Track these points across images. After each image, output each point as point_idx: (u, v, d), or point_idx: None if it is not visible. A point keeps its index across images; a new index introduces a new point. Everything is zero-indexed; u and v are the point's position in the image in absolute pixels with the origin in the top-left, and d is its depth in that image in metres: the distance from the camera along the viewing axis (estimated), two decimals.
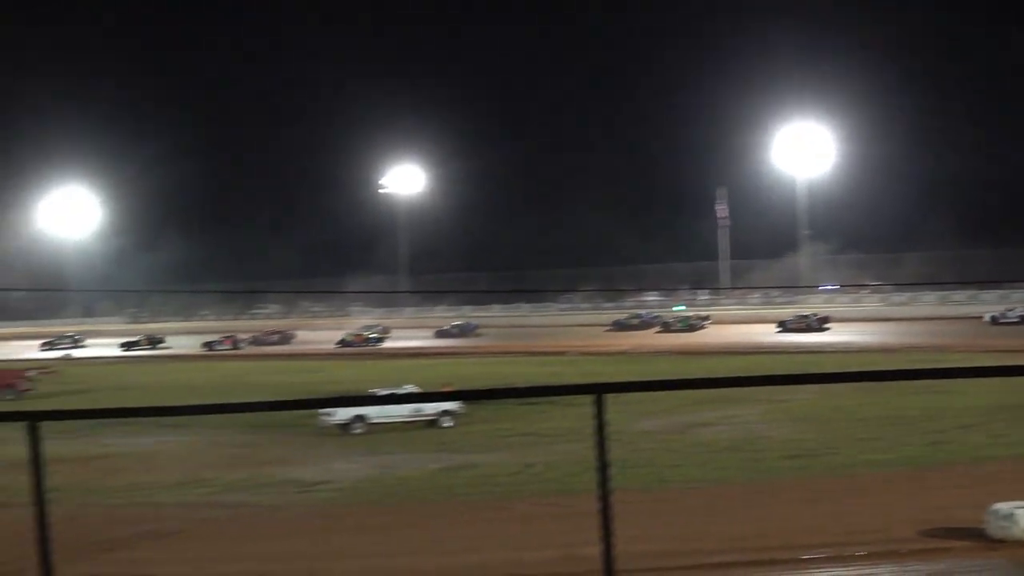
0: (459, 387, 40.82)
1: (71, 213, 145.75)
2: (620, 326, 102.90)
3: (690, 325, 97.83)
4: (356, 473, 30.17)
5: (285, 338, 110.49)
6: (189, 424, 35.94)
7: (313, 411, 37.60)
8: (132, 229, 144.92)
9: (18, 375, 60.50)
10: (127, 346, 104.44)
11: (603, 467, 5.26)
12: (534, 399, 41.45)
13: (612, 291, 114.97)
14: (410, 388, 40.43)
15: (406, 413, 38.52)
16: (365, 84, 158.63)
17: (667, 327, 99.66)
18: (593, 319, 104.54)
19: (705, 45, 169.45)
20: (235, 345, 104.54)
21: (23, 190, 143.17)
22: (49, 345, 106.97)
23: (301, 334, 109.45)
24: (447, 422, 39.24)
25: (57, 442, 7.42)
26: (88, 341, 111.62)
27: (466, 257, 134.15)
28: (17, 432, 6.44)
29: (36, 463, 6.44)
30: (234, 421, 35.79)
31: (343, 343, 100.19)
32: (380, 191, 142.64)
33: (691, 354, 70.39)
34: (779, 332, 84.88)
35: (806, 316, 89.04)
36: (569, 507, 19.36)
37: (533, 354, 76.14)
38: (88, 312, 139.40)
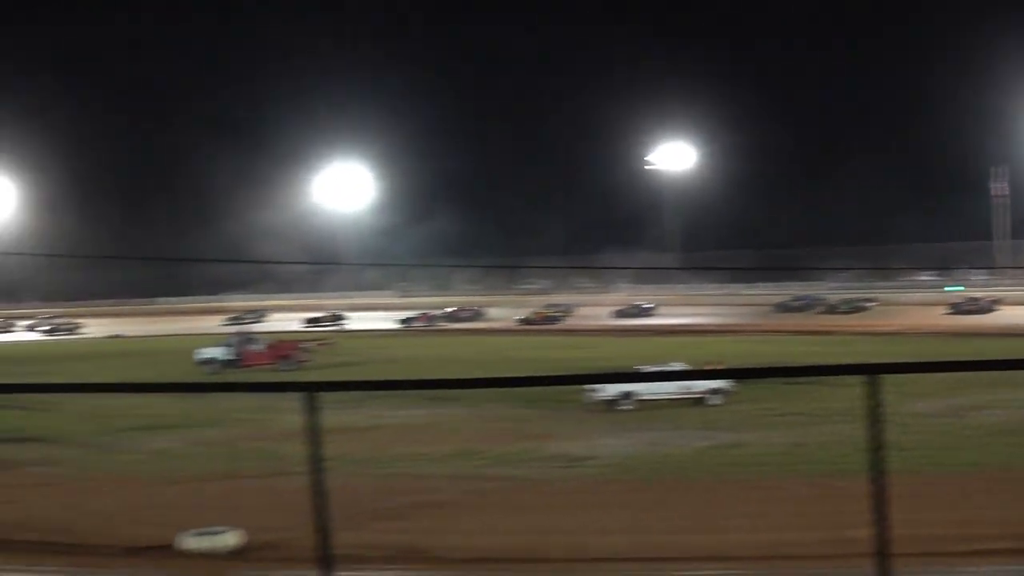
0: (726, 365, 40.50)
1: (346, 187, 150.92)
2: (784, 308, 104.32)
3: (855, 307, 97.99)
4: (622, 449, 30.24)
5: (476, 315, 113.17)
6: (459, 397, 36.62)
7: (581, 387, 37.82)
8: (403, 204, 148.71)
9: (295, 346, 62.73)
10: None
11: (877, 449, 5.14)
12: (803, 379, 40.75)
13: (882, 269, 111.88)
14: (678, 365, 40.26)
15: (674, 390, 38.35)
16: (635, 61, 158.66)
17: (832, 309, 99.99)
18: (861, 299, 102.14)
19: (987, 19, 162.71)
20: (430, 321, 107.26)
21: (302, 165, 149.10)
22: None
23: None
24: (715, 400, 38.97)
25: (332, 413, 7.69)
26: (360, 315, 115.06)
27: (734, 234, 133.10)
28: (296, 402, 6.70)
29: (313, 433, 6.69)
30: (503, 395, 36.30)
31: (526, 321, 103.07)
32: (647, 167, 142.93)
33: (967, 335, 68.08)
34: None
35: None
36: (839, 489, 18.99)
37: (799, 333, 74.98)
38: (359, 285, 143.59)
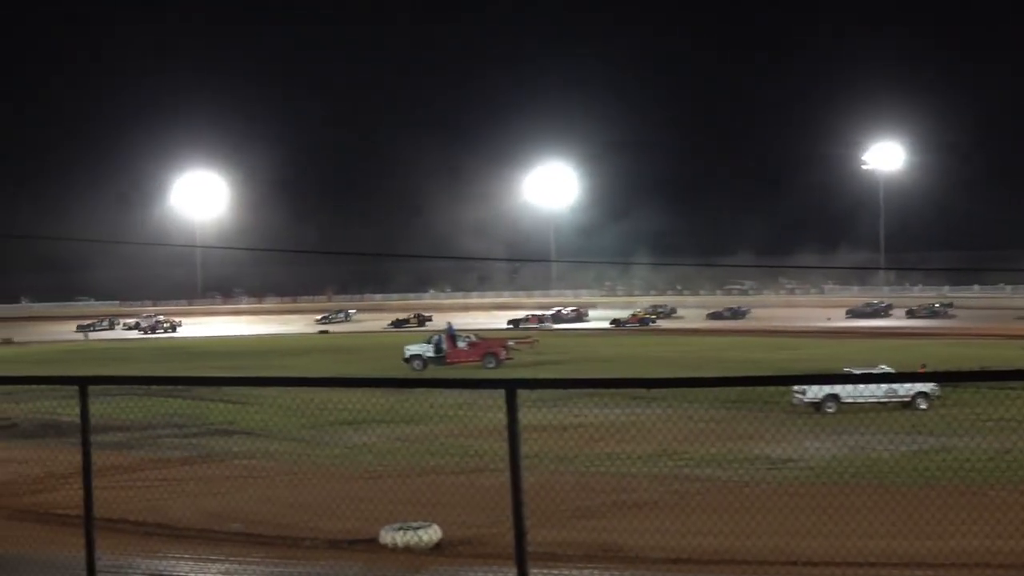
0: (934, 368, 39.48)
1: (554, 186, 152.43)
2: (855, 314, 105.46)
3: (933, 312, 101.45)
4: (827, 452, 29.72)
5: (579, 315, 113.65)
6: (662, 397, 36.47)
7: (785, 389, 37.38)
8: (608, 202, 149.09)
9: (501, 344, 63.30)
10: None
11: None
12: (1014, 384, 39.40)
13: None
14: (883, 368, 39.43)
15: (880, 394, 37.57)
16: (850, 62, 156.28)
17: (912, 314, 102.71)
18: None
19: None
20: (540, 322, 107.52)
21: (513, 166, 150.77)
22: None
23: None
24: (922, 404, 38.08)
25: (533, 410, 7.74)
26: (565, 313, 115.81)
27: (946, 235, 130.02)
28: (497, 399, 6.77)
29: (512, 429, 6.75)
30: (706, 396, 35.99)
31: (616, 323, 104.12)
32: (862, 167, 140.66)
33: None
34: None
35: None
36: None
37: (1011, 337, 72.67)
38: (568, 284, 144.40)
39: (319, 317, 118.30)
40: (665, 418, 33.77)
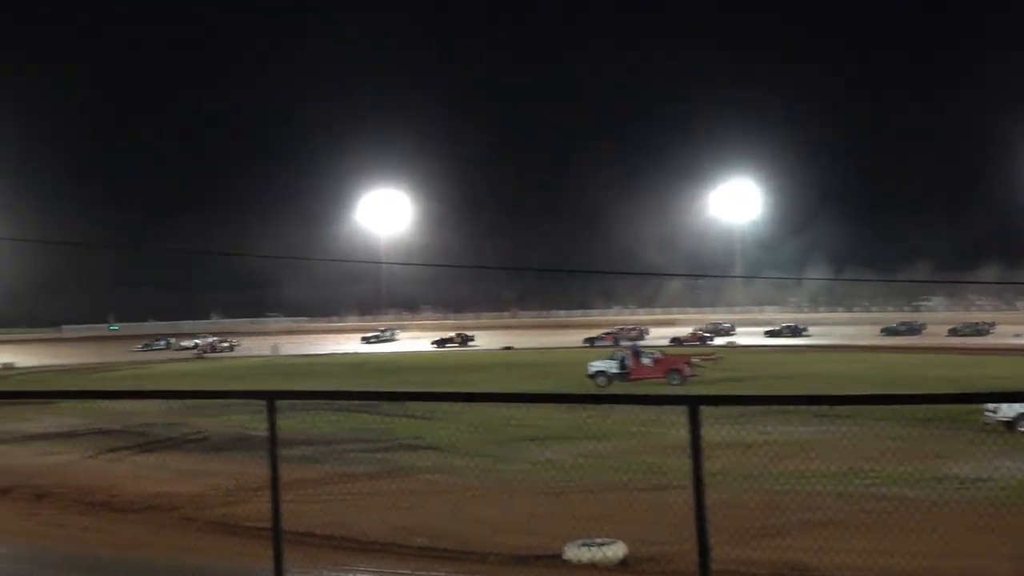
0: None
1: (737, 201, 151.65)
2: (890, 332, 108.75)
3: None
4: (1019, 472, 28.82)
5: (640, 334, 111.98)
6: (850, 415, 35.79)
7: (975, 407, 36.36)
8: (791, 216, 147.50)
9: (685, 361, 62.96)
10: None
11: None
12: None
13: None
14: None
15: None
16: None
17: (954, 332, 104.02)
18: None
19: None
20: (616, 342, 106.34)
21: (698, 180, 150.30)
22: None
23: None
24: None
25: (717, 427, 7.65)
26: (749, 329, 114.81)
27: None
28: (681, 416, 6.71)
29: (695, 446, 6.69)
30: (895, 413, 35.21)
31: (676, 341, 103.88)
32: None
33: None
34: None
35: None
36: None
37: None
38: (751, 299, 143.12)
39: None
40: (852, 436, 33.13)
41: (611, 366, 60.90)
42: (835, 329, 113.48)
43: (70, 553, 18.32)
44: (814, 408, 34.48)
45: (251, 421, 33.18)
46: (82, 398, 40.23)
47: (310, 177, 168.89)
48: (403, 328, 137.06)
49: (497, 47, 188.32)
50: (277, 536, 8.22)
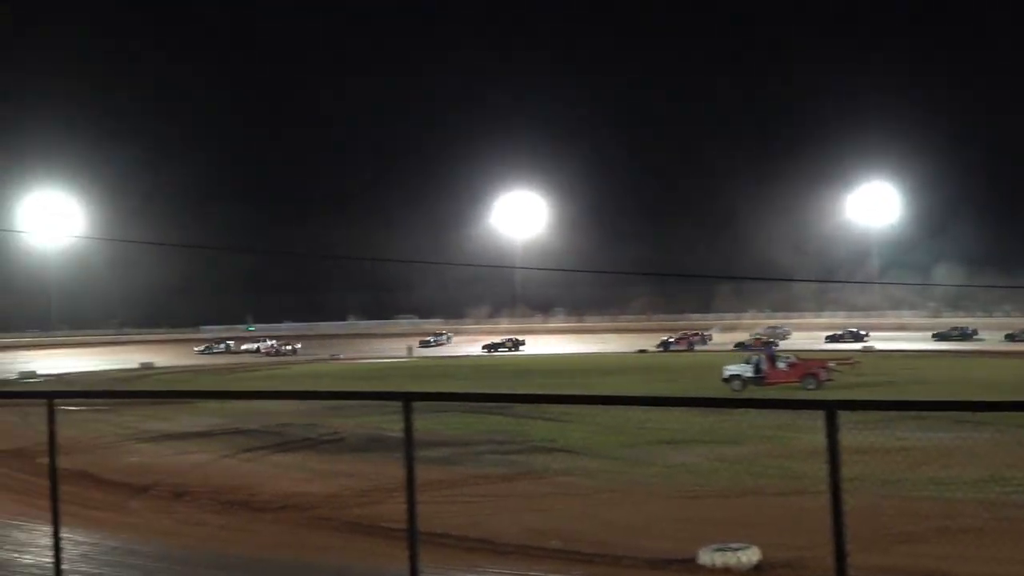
0: None
1: (875, 205, 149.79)
2: (941, 337, 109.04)
3: None
4: None
5: (703, 339, 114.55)
6: (989, 421, 35.07)
7: None
8: (930, 219, 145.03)
9: (821, 365, 62.12)
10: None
11: None
12: None
13: None
14: None
15: None
16: None
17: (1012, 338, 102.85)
18: None
19: None
20: (690, 346, 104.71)
21: (835, 183, 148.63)
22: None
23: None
24: None
25: (854, 432, 7.57)
26: (888, 334, 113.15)
27: None
28: (817, 420, 6.66)
29: (832, 451, 6.62)
30: None
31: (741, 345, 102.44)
32: None
33: None
34: None
35: None
36: None
37: None
38: (889, 304, 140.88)
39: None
40: (993, 443, 32.45)
41: (746, 370, 60.38)
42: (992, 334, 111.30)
43: (208, 551, 18.63)
44: (953, 414, 33.85)
45: (386, 422, 33.57)
46: (220, 398, 41.00)
47: (446, 180, 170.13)
48: (530, 332, 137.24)
49: (634, 51, 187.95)
50: (412, 537, 8.30)
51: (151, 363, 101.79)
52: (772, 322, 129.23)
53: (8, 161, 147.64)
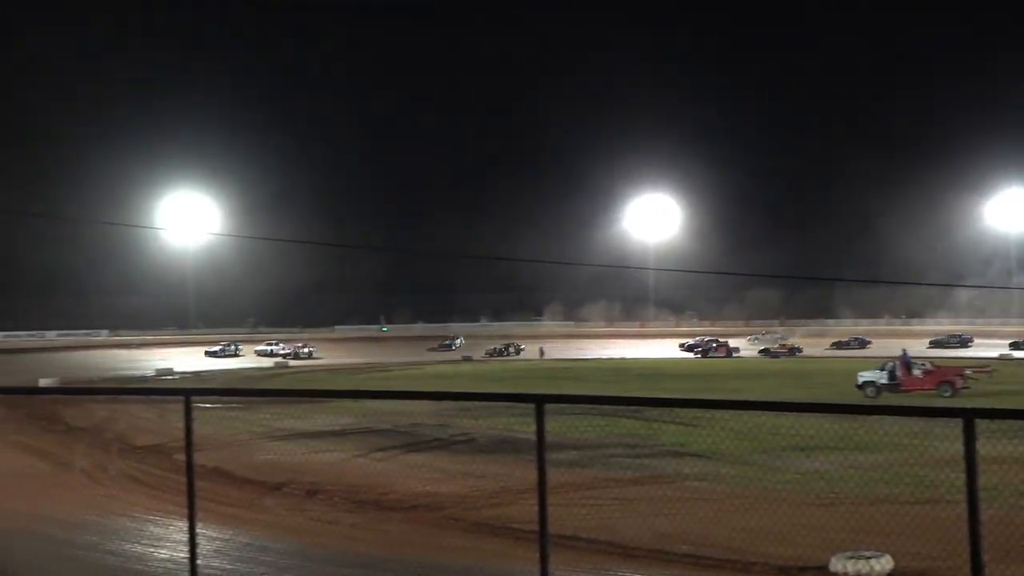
0: None
1: (1015, 211, 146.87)
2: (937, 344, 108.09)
3: None
4: None
5: (793, 352, 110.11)
6: None
7: None
8: None
9: (957, 372, 60.95)
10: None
11: None
12: None
13: None
14: None
15: None
16: None
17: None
18: None
19: None
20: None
21: (974, 188, 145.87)
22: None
23: None
24: None
25: (992, 441, 7.45)
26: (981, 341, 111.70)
27: None
28: (954, 428, 6.58)
29: (969, 460, 6.54)
30: None
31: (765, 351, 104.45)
32: None
33: None
34: None
35: None
36: None
37: None
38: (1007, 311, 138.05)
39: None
40: None
41: (880, 376, 59.51)
42: None
43: (340, 550, 18.94)
44: None
45: (517, 424, 33.72)
46: (353, 397, 41.50)
47: (580, 182, 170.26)
48: (661, 336, 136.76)
49: (767, 54, 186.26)
50: (543, 539, 8.35)
51: (285, 362, 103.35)
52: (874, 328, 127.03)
53: (148, 160, 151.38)
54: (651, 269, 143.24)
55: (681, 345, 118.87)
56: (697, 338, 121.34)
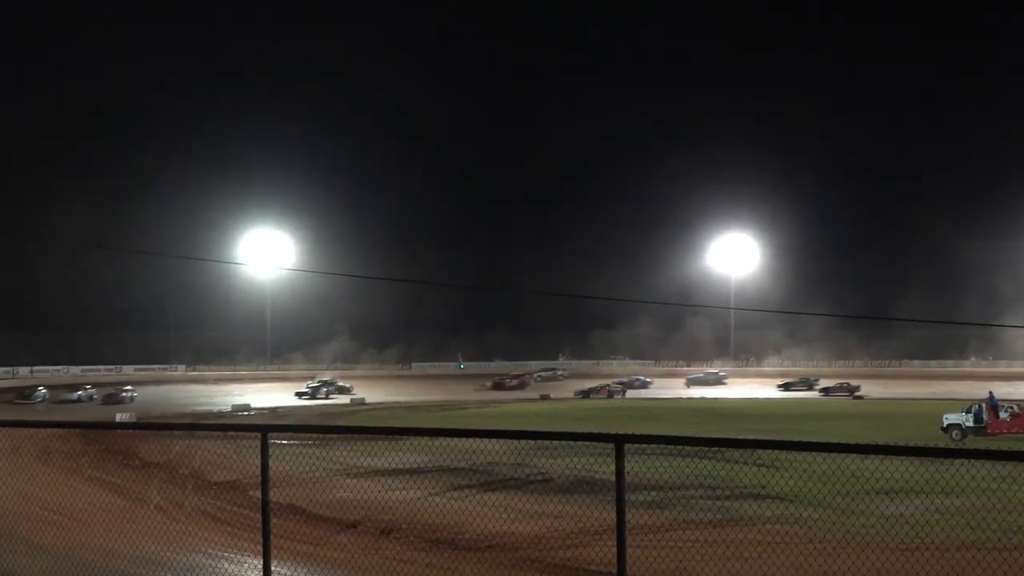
0: None
1: None
2: None
3: None
4: None
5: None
6: None
7: None
8: None
9: None
10: None
11: None
12: None
13: None
14: None
15: None
16: None
17: None
18: None
19: None
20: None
21: None
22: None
23: None
24: None
25: None
26: None
27: None
28: None
29: None
30: None
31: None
32: None
33: None
34: None
35: None
36: None
37: None
38: None
39: None
40: None
41: (966, 419, 58.84)
42: None
43: None
44: None
45: (596, 464, 33.64)
46: (429, 435, 41.72)
47: (660, 219, 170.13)
48: (741, 375, 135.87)
49: (851, 91, 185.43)
50: None
51: (362, 399, 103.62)
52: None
53: (231, 196, 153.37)
54: (732, 308, 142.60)
55: (781, 386, 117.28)
56: (802, 379, 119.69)
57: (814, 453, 8.54)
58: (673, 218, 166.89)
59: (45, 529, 22.90)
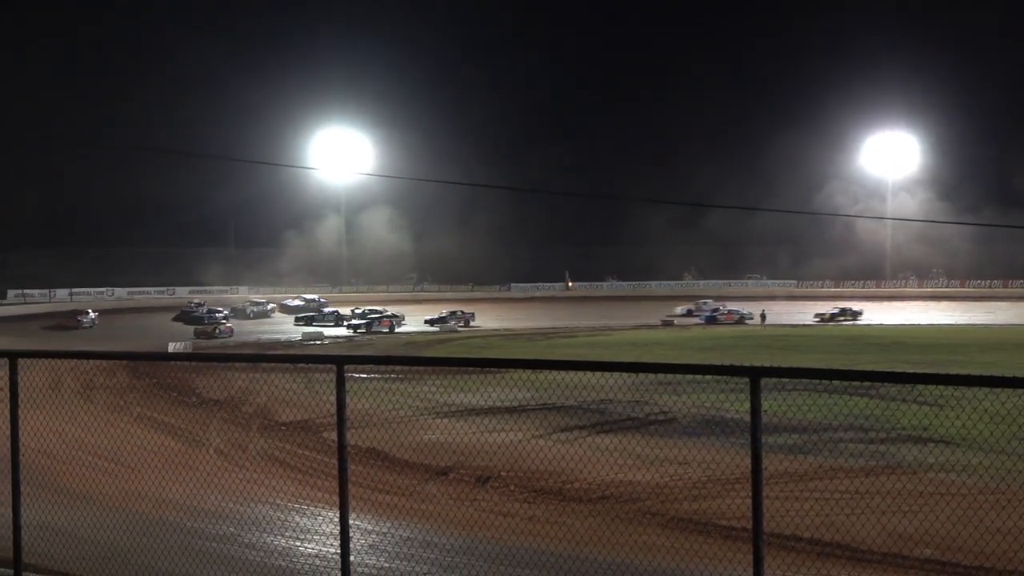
0: None
1: None
2: None
3: None
4: None
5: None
6: None
7: None
8: None
9: None
10: None
11: None
12: None
13: None
14: None
15: None
16: None
17: None
18: None
19: None
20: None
21: None
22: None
23: None
24: None
25: None
26: None
27: None
28: None
29: None
30: None
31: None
32: None
33: None
34: None
35: None
36: None
37: None
38: None
39: None
40: None
41: None
42: None
43: (515, 546, 18.87)
44: None
45: (727, 401, 33.51)
46: (533, 368, 41.71)
47: (810, 122, 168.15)
48: (901, 297, 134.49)
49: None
50: (757, 539, 8.22)
51: (454, 327, 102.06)
52: None
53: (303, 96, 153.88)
54: (890, 219, 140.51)
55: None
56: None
57: (987, 389, 8.23)
58: (823, 118, 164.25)
59: (90, 476, 23.31)
